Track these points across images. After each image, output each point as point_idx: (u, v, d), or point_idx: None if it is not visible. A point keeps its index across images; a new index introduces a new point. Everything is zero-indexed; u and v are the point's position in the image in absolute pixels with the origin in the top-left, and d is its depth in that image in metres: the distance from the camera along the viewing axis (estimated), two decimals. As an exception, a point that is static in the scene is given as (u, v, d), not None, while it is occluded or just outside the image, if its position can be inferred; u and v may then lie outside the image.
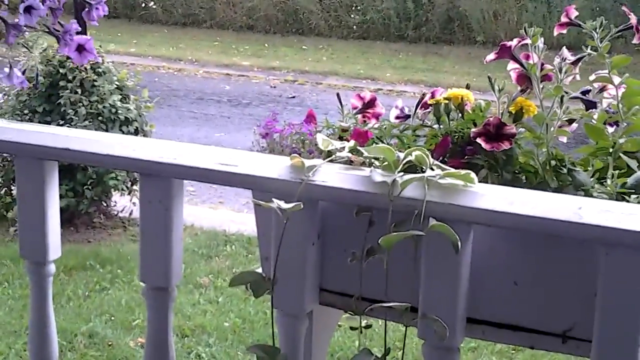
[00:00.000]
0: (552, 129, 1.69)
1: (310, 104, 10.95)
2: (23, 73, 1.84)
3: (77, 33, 1.82)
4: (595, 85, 1.91)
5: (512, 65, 1.79)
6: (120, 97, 5.88)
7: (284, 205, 1.47)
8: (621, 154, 1.72)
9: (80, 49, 1.73)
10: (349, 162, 1.60)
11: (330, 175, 1.55)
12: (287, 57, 15.25)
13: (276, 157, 1.68)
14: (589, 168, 1.70)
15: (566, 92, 1.72)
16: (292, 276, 1.61)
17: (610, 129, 1.81)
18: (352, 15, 17.75)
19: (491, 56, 1.81)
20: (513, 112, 1.73)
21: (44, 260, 1.87)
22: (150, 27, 18.58)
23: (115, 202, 6.08)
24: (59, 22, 1.74)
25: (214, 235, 5.85)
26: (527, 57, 1.77)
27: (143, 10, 19.59)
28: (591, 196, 1.59)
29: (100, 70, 5.84)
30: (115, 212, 6.06)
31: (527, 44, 1.77)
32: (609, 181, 1.62)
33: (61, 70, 5.65)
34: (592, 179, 1.66)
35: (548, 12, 15.80)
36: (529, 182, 1.67)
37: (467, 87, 1.86)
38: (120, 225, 5.98)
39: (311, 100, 11.52)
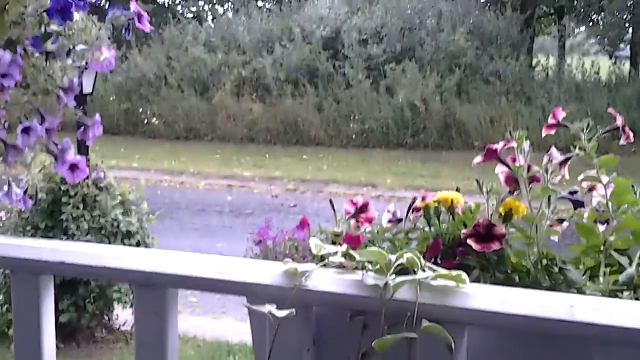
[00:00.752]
0: (541, 228, 1.71)
1: (312, 212, 11.01)
2: (25, 191, 1.87)
3: (78, 149, 1.87)
4: (584, 184, 1.94)
5: (499, 168, 1.82)
6: (122, 210, 5.93)
7: (276, 311, 1.48)
8: (612, 252, 1.73)
9: (73, 167, 1.77)
10: (342, 266, 1.61)
11: (323, 280, 1.56)
12: (287, 167, 15.43)
13: (270, 263, 1.69)
14: (580, 266, 1.71)
15: (554, 192, 1.74)
16: (288, 383, 1.60)
17: (601, 227, 1.83)
18: (351, 125, 18.05)
19: (478, 159, 1.85)
20: (502, 213, 1.76)
21: (39, 377, 1.85)
22: (153, 142, 18.88)
23: (117, 315, 6.05)
24: (53, 141, 1.78)
25: (217, 346, 5.80)
26: (514, 160, 1.81)
27: (145, 126, 19.96)
28: (584, 294, 1.60)
29: (102, 185, 5.91)
30: (117, 326, 6.02)
31: (513, 147, 1.81)
32: (601, 279, 1.63)
33: (63, 187, 5.72)
34: (584, 277, 1.66)
35: (543, 117, 16.05)
36: (522, 282, 1.68)
37: (457, 190, 1.89)
38: (122, 339, 5.93)
39: (312, 208, 11.60)
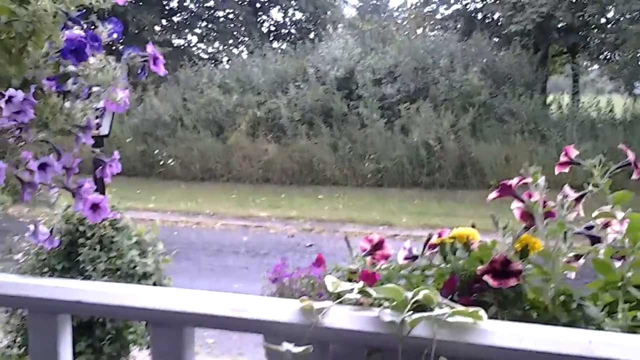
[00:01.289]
0: (558, 264, 1.70)
1: (328, 251, 10.97)
2: (51, 231, 1.88)
3: (95, 190, 1.88)
4: (599, 220, 1.93)
5: (515, 204, 1.82)
6: (138, 252, 5.93)
7: (294, 349, 1.48)
8: (630, 288, 1.72)
9: (95, 207, 1.79)
10: (358, 303, 1.61)
11: (340, 317, 1.56)
12: (303, 207, 15.43)
13: (286, 300, 1.69)
14: (598, 302, 1.70)
15: (570, 228, 1.74)
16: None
17: (618, 263, 1.82)
18: (366, 164, 18.06)
19: (493, 194, 1.85)
20: (519, 249, 1.75)
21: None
22: (169, 183, 18.96)
23: (134, 357, 6.02)
24: (72, 180, 1.80)
25: (233, 388, 5.75)
26: (530, 196, 1.81)
27: (162, 167, 20.06)
28: (602, 330, 1.59)
29: (118, 226, 5.92)
30: (134, 368, 5.99)
31: (528, 183, 1.81)
32: (619, 315, 1.62)
33: (80, 228, 5.73)
34: (602, 313, 1.65)
35: (558, 155, 15.97)
36: (540, 318, 1.67)
37: (473, 226, 1.89)
38: (139, 381, 5.89)
39: (328, 247, 11.57)
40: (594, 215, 1.90)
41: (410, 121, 18.23)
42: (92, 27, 1.79)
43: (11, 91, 1.60)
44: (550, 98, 21.42)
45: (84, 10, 1.76)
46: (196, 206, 15.75)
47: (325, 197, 16.53)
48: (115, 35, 1.79)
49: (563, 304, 1.67)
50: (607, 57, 23.54)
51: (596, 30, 22.42)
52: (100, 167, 1.88)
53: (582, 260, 1.83)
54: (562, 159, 2.01)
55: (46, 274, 5.66)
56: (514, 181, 1.82)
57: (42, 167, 1.69)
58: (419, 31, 22.89)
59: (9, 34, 1.68)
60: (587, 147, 15.46)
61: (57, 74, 1.78)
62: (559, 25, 20.24)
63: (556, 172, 2.01)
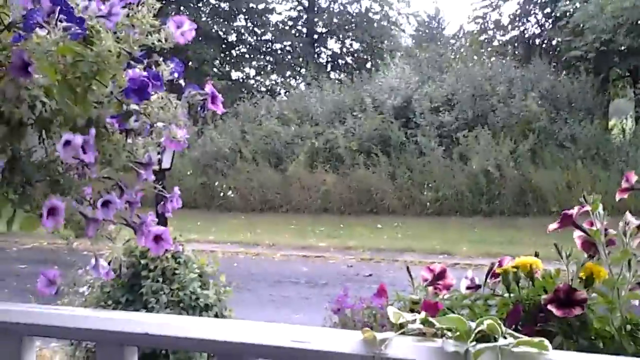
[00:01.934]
0: (623, 292, 1.67)
1: (387, 281, 10.87)
2: (109, 263, 1.93)
3: (158, 224, 1.92)
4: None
5: (577, 233, 1.81)
6: (200, 284, 5.99)
7: (356, 380, 1.48)
8: (699, 314, 1.68)
9: (157, 239, 1.82)
10: (421, 333, 1.60)
11: (403, 348, 1.55)
12: (362, 237, 15.40)
13: (348, 331, 1.69)
14: (666, 331, 1.66)
15: (634, 255, 1.72)
16: None
17: (685, 290, 1.78)
18: (425, 193, 17.98)
19: (554, 225, 1.83)
20: (583, 277, 1.73)
21: None
22: (229, 215, 19.13)
23: (196, 388, 6.05)
24: (136, 214, 1.84)
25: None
26: (591, 224, 1.79)
27: (222, 199, 20.28)
28: (672, 360, 1.55)
29: (180, 259, 5.99)
30: (197, 400, 6.01)
31: (589, 211, 1.79)
32: (688, 343, 1.58)
33: (142, 261, 5.82)
34: (671, 342, 1.62)
35: (620, 180, 15.69)
36: (606, 348, 1.64)
37: (536, 255, 1.87)
38: (201, 413, 5.91)
39: (388, 277, 11.51)
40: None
41: (468, 149, 18.12)
42: (155, 64, 1.84)
43: (68, 135, 1.65)
44: (612, 122, 21.07)
45: (146, 50, 1.81)
46: (256, 237, 15.85)
47: (384, 227, 16.48)
48: (176, 75, 1.83)
49: (630, 334, 1.64)
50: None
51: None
52: (162, 203, 1.92)
53: (648, 288, 1.80)
54: (623, 184, 1.99)
55: (110, 306, 5.75)
56: (574, 211, 1.80)
57: (105, 204, 1.74)
58: (476, 58, 22.76)
59: (75, 74, 1.73)
60: (651, 171, 15.12)
61: (120, 113, 1.82)
62: (620, 49, 19.93)
63: (617, 198, 1.99)
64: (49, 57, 1.66)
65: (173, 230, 6.19)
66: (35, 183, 1.76)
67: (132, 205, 1.89)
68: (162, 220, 6.00)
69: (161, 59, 1.85)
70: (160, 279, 5.80)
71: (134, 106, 1.82)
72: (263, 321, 1.80)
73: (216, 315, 5.95)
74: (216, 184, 20.49)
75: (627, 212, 1.83)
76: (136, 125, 1.87)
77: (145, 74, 1.76)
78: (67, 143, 1.65)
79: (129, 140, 1.89)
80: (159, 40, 1.81)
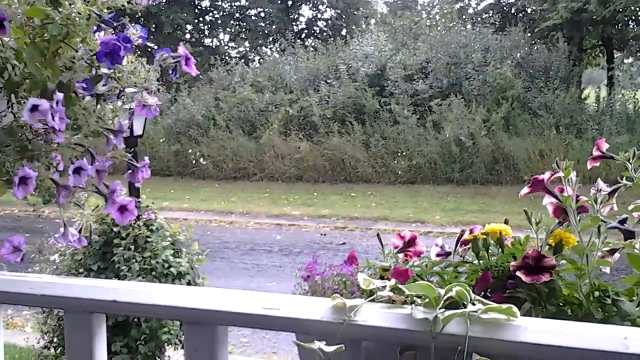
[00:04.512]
0: (592, 259, 1.68)
1: (361, 249, 10.98)
2: (79, 232, 1.90)
3: (130, 191, 1.89)
4: (635, 214, 1.91)
5: (547, 199, 1.81)
6: (172, 251, 5.97)
7: (325, 347, 1.47)
8: (667, 283, 1.70)
9: (122, 209, 1.80)
10: (391, 300, 1.60)
11: (372, 315, 1.55)
12: (336, 205, 15.44)
13: (318, 298, 1.69)
14: (634, 298, 1.68)
15: (604, 222, 1.72)
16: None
17: (654, 258, 1.79)
18: (399, 161, 18.01)
19: (525, 190, 1.83)
20: (552, 244, 1.74)
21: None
22: (202, 183, 19.08)
23: (169, 356, 6.06)
24: (104, 183, 1.81)
25: (268, 386, 5.78)
26: (562, 190, 1.79)
27: (195, 167, 20.19)
28: (638, 326, 1.57)
29: (153, 227, 5.96)
30: (169, 367, 6.03)
31: (561, 178, 1.79)
32: (656, 310, 1.60)
33: (114, 229, 5.79)
34: (638, 308, 1.63)
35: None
36: (574, 314, 1.65)
37: (506, 222, 1.87)
38: (174, 380, 5.93)
39: (361, 245, 11.56)
40: (629, 208, 1.88)
41: (442, 117, 18.14)
42: (123, 27, 1.81)
43: (34, 100, 1.61)
44: (586, 92, 21.17)
45: (115, 13, 1.78)
46: (229, 205, 15.83)
47: (358, 195, 16.53)
48: (140, 41, 1.80)
49: (598, 300, 1.65)
50: (642, 49, 23.22)
51: (630, 23, 22.13)
52: (131, 172, 1.90)
53: (617, 255, 1.81)
54: (594, 152, 2.00)
55: (82, 274, 5.72)
56: (545, 176, 1.80)
57: (77, 170, 1.71)
58: (451, 26, 22.72)
59: (43, 37, 1.70)
60: (624, 140, 15.27)
61: (90, 77, 1.79)
62: (593, 17, 19.97)
63: (589, 166, 1.99)
64: (19, 17, 1.62)
65: (146, 198, 6.16)
66: (4, 148, 1.72)
67: (100, 174, 1.86)
68: (134, 189, 5.94)
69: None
70: (132, 247, 5.77)
71: (104, 70, 1.79)
72: (236, 289, 1.79)
73: (189, 283, 5.94)
74: (189, 151, 20.39)
75: (599, 179, 1.83)
76: (105, 89, 1.84)
77: (115, 37, 1.73)
78: (34, 108, 1.62)
79: (98, 106, 1.86)
80: (129, 2, 1.77)
